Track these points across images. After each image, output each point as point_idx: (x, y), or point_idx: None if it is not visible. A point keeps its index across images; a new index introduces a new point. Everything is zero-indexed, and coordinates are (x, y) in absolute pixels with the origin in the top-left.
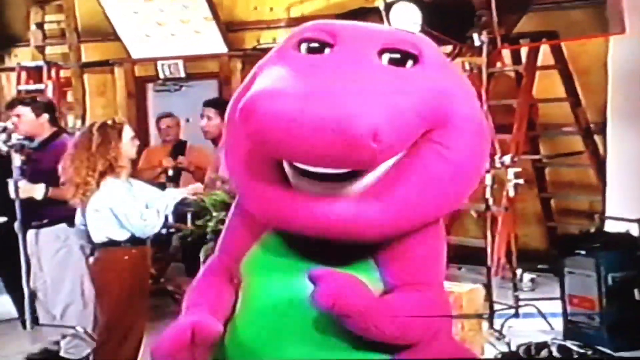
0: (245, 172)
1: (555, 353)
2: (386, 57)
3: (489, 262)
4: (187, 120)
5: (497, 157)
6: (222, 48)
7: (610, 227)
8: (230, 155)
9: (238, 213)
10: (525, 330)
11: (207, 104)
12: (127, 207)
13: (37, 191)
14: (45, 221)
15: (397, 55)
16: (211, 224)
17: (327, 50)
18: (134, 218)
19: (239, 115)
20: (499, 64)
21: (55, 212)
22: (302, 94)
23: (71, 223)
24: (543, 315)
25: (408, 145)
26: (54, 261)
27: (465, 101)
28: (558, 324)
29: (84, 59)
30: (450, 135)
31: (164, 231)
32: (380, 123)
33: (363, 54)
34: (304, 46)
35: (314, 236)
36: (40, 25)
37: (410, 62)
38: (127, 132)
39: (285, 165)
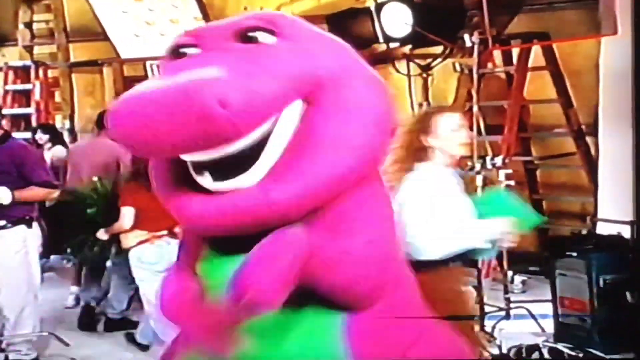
0: (158, 183)
1: (546, 355)
2: (243, 39)
3: (479, 264)
4: None
5: (488, 159)
6: None
7: (601, 229)
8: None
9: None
10: (516, 333)
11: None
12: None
13: (3, 197)
14: (4, 223)
15: (254, 35)
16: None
17: (196, 51)
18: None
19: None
20: (490, 65)
21: (14, 213)
22: (150, 90)
23: (29, 224)
24: (534, 318)
25: (275, 109)
26: (13, 263)
27: (336, 58)
28: (549, 326)
29: (72, 59)
30: (328, 95)
31: None
32: (227, 90)
33: (219, 42)
34: (175, 53)
35: (231, 235)
36: (28, 25)
37: (268, 39)
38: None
39: (189, 165)
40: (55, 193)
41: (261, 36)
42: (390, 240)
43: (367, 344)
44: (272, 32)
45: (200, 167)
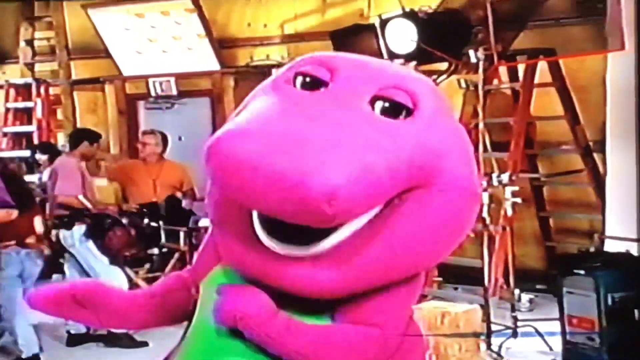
0: (216, 216)
1: None
2: (379, 105)
3: (486, 282)
4: (180, 139)
5: (494, 176)
6: (215, 65)
7: (610, 246)
8: (208, 193)
9: (213, 235)
10: (524, 351)
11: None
12: None
13: None
14: None
15: (390, 105)
16: None
17: (322, 87)
18: None
19: (205, 152)
20: (495, 81)
21: None
22: (268, 139)
23: None
24: (542, 336)
25: (375, 206)
26: None
27: (457, 160)
28: (557, 344)
29: (74, 76)
30: (432, 197)
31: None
32: (340, 185)
33: (354, 99)
34: (299, 80)
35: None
36: (29, 42)
37: (403, 114)
38: None
39: (255, 216)
40: (14, 213)
41: (398, 107)
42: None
43: None
44: (410, 111)
45: (270, 229)
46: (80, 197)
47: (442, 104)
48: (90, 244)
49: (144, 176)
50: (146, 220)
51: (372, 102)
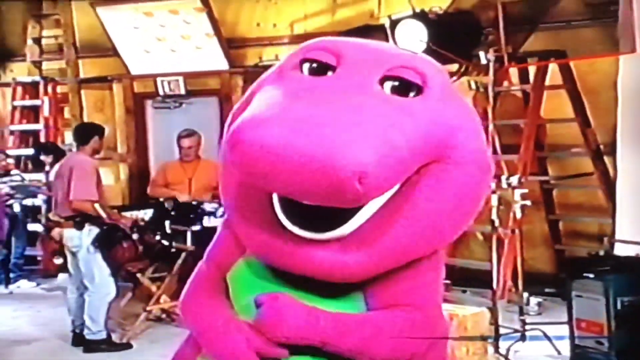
0: (236, 205)
1: None
2: (388, 85)
3: (494, 285)
4: None
5: (504, 178)
6: (224, 65)
7: (619, 250)
8: (224, 183)
9: (228, 226)
10: (532, 355)
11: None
12: None
13: None
14: None
15: (400, 83)
16: None
17: (329, 72)
18: None
19: (226, 143)
20: (505, 83)
21: None
22: (291, 124)
23: None
24: (550, 340)
25: (397, 182)
26: None
27: (470, 134)
28: (565, 348)
29: (81, 75)
30: (449, 170)
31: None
32: (368, 164)
33: (364, 81)
34: (306, 66)
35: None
36: (37, 40)
37: (413, 92)
38: None
39: (275, 203)
40: None
41: (406, 86)
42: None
43: None
44: (420, 88)
45: (294, 214)
46: (97, 206)
47: (449, 82)
48: (97, 252)
49: (181, 175)
50: (157, 238)
51: (381, 83)
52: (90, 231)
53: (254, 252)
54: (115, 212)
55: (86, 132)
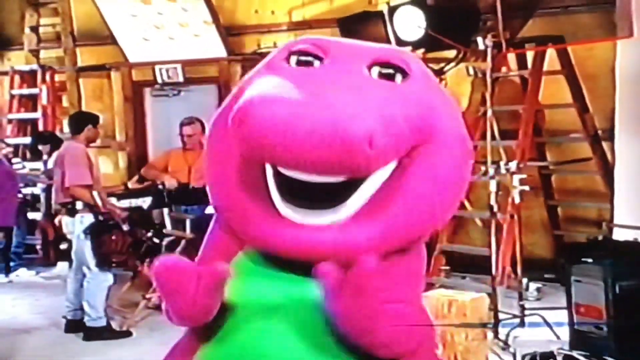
0: (230, 191)
1: None
2: (376, 70)
3: (493, 271)
4: None
5: (502, 164)
6: (222, 52)
7: (618, 235)
8: (214, 171)
9: (221, 226)
10: (531, 340)
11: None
12: None
13: None
14: None
15: (387, 70)
16: None
17: (317, 63)
18: None
19: (233, 120)
20: (504, 69)
21: None
22: (296, 100)
23: None
24: (549, 325)
25: (399, 155)
26: None
27: (451, 116)
28: (564, 333)
29: (79, 63)
30: (437, 151)
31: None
32: (376, 128)
33: (353, 67)
34: (293, 59)
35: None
36: (34, 29)
37: (399, 77)
38: None
39: (272, 187)
40: None
41: (392, 73)
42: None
43: None
44: (402, 73)
45: (289, 189)
46: (95, 193)
47: (427, 69)
48: (88, 240)
49: (181, 163)
50: (149, 234)
51: (369, 70)
52: (83, 218)
53: (254, 243)
54: (111, 202)
55: (80, 121)
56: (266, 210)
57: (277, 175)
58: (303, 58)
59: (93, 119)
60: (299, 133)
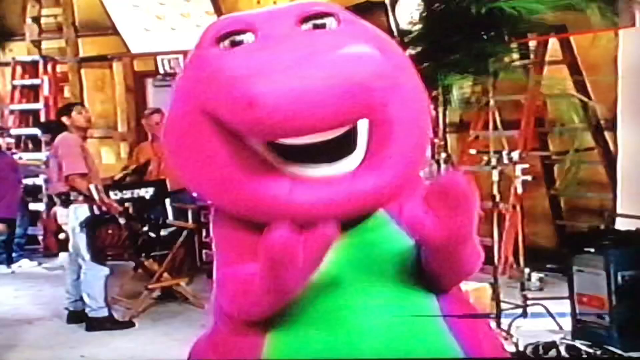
0: (231, 185)
1: (563, 353)
2: (308, 25)
3: (496, 261)
4: None
5: (504, 153)
6: None
7: (620, 224)
8: (197, 162)
9: (221, 225)
10: (534, 330)
11: None
12: None
13: None
14: None
15: (319, 21)
16: None
17: (250, 38)
18: None
19: (238, 109)
20: (506, 59)
21: None
22: (286, 69)
23: None
24: (551, 315)
25: (392, 92)
26: None
27: (399, 53)
28: (567, 323)
29: (81, 54)
30: (404, 94)
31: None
32: (377, 58)
33: (290, 28)
34: (225, 43)
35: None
36: (36, 19)
37: (334, 24)
38: None
39: (273, 158)
40: None
41: (328, 22)
42: None
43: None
44: (337, 19)
45: (289, 155)
46: (92, 187)
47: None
48: (83, 232)
49: (151, 156)
50: (145, 228)
51: (303, 25)
52: (77, 209)
53: (270, 217)
54: (109, 199)
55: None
56: (274, 184)
57: (273, 147)
58: (237, 38)
59: (63, 111)
60: (311, 94)
